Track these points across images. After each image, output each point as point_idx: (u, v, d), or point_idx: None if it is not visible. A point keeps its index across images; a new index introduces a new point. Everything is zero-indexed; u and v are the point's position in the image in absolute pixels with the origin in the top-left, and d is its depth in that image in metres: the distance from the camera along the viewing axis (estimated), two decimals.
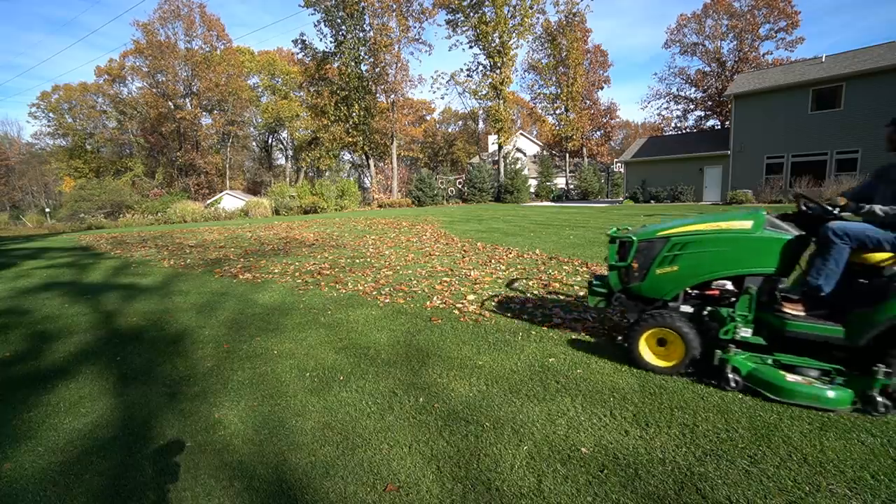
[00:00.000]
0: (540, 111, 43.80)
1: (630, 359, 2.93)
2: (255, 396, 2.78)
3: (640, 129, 65.86)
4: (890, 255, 2.47)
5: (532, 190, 35.30)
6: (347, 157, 50.87)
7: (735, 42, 40.06)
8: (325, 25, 29.90)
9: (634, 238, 3.03)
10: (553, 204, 28.65)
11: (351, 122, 31.26)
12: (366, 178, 41.84)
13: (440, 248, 8.09)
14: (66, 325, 4.40)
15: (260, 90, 51.62)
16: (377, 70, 31.22)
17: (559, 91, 40.18)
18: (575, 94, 39.18)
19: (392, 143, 34.04)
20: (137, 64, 42.55)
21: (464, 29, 30.15)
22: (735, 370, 2.56)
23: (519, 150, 40.55)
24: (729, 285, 2.82)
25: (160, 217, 24.07)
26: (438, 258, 7.02)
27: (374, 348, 3.43)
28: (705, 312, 2.81)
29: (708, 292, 2.89)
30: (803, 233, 2.66)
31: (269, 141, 56.79)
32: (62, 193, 45.73)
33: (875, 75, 18.52)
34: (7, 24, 74.68)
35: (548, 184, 37.03)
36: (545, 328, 3.67)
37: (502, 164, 31.21)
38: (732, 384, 2.55)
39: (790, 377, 2.45)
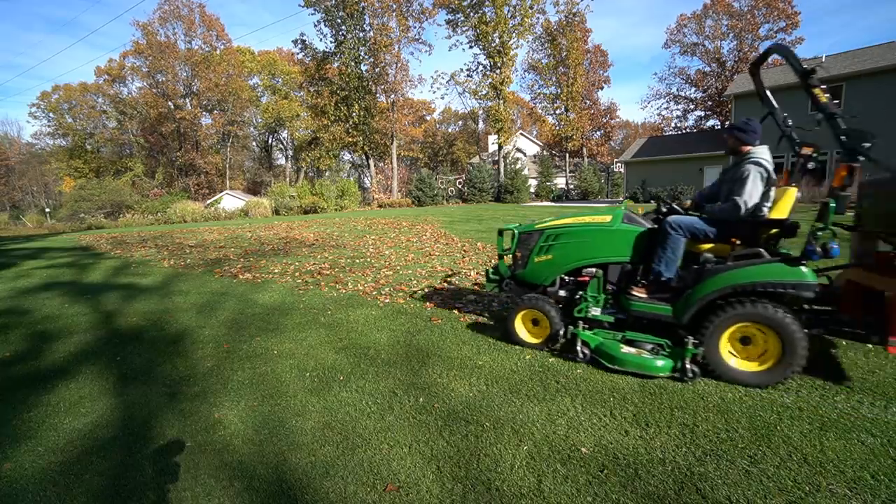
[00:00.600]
0: (540, 111, 43.80)
1: (504, 334, 3.45)
2: (255, 396, 2.78)
3: (640, 129, 65.85)
4: (712, 244, 2.98)
5: (532, 190, 35.28)
6: (347, 157, 50.86)
7: (735, 42, 40.07)
8: (325, 25, 29.89)
9: (515, 230, 3.52)
10: (553, 204, 28.66)
11: (351, 122, 31.24)
12: (366, 178, 41.84)
13: (440, 248, 8.09)
14: (66, 325, 4.39)
15: (260, 90, 51.62)
16: (377, 70, 31.20)
17: (559, 91, 40.17)
18: (575, 94, 39.18)
19: (392, 143, 34.04)
20: (137, 64, 42.56)
21: (464, 29, 30.14)
22: (584, 344, 3.02)
23: (519, 150, 40.55)
24: (592, 270, 3.27)
25: (160, 217, 24.06)
26: (438, 258, 7.02)
27: (374, 348, 3.43)
28: (577, 297, 3.26)
29: (580, 279, 3.30)
30: (655, 226, 3.07)
31: (269, 141, 56.80)
32: (62, 193, 45.73)
33: (875, 75, 18.53)
34: (7, 24, 74.74)
35: (548, 184, 37.01)
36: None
37: (502, 164, 31.21)
38: (581, 356, 3.00)
39: (625, 349, 2.87)
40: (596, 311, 3.16)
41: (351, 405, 2.61)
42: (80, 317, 4.64)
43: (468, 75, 32.02)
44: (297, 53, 33.05)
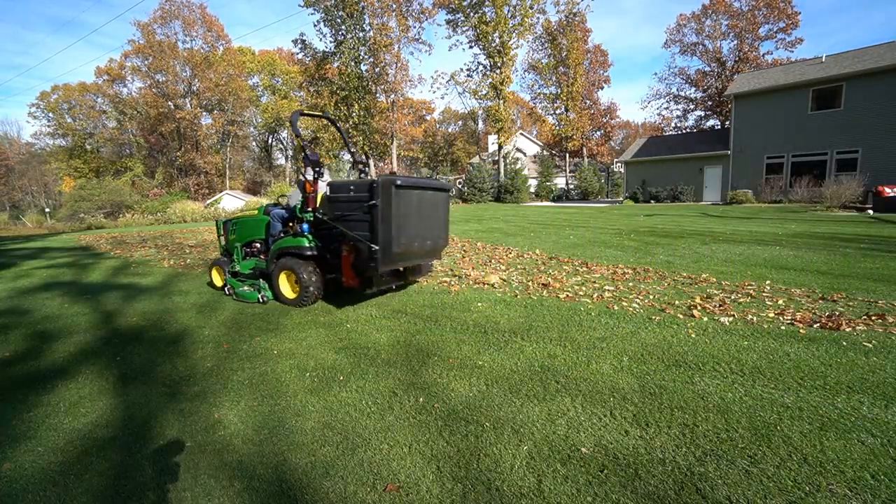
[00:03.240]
0: (540, 111, 43.80)
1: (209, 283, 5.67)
2: (255, 396, 2.78)
3: (640, 129, 65.86)
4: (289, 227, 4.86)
5: (532, 190, 35.30)
6: (347, 157, 50.85)
7: (735, 42, 40.07)
8: (325, 25, 29.87)
9: (219, 221, 5.79)
10: (553, 204, 28.65)
11: (351, 122, 31.24)
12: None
13: None
14: (66, 325, 4.39)
15: (260, 90, 51.62)
16: (377, 70, 31.18)
17: (559, 91, 40.17)
18: (575, 94, 39.18)
19: (392, 143, 34.04)
20: (137, 64, 42.55)
21: (464, 29, 30.15)
22: (231, 288, 5.09)
23: (519, 150, 40.53)
24: (258, 245, 5.31)
25: (160, 217, 24.06)
26: None
27: (374, 348, 3.43)
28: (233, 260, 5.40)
29: (253, 249, 5.36)
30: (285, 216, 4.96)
31: (269, 141, 56.78)
32: (62, 193, 45.70)
33: (875, 75, 18.52)
34: (7, 24, 74.69)
35: (548, 184, 37.01)
36: None
37: (502, 164, 31.21)
38: (227, 293, 5.11)
39: (245, 288, 4.96)
40: (238, 268, 5.24)
41: (351, 405, 2.61)
42: (80, 317, 4.64)
43: (468, 75, 32.05)
44: (297, 53, 33.05)
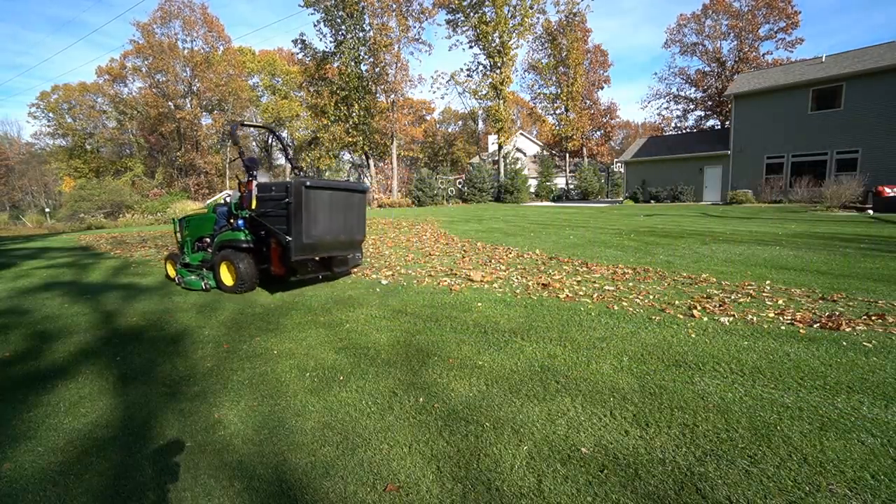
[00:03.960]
0: (540, 111, 43.79)
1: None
2: (255, 396, 2.78)
3: (640, 129, 65.86)
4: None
5: (532, 190, 35.30)
6: (347, 156, 50.82)
7: (735, 42, 40.06)
8: (325, 25, 29.87)
9: (175, 219, 6.40)
10: (553, 204, 28.65)
11: (351, 122, 31.22)
12: (366, 178, 41.78)
13: (440, 248, 8.09)
14: (66, 325, 4.39)
15: (260, 90, 51.61)
16: (377, 70, 31.18)
17: (559, 91, 40.17)
18: (575, 94, 39.18)
19: (392, 143, 34.03)
20: (137, 64, 42.54)
21: (464, 29, 30.15)
22: (181, 277, 5.69)
23: (519, 150, 40.54)
24: (207, 239, 5.81)
25: (160, 217, 24.06)
26: (438, 258, 7.02)
27: (374, 348, 3.43)
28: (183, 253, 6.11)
29: (203, 243, 5.88)
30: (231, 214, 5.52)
31: (269, 141, 56.72)
32: (62, 193, 45.70)
33: (875, 75, 18.52)
34: (7, 24, 74.68)
35: (548, 184, 37.01)
36: None
37: (502, 164, 31.21)
38: (176, 282, 5.77)
39: (192, 277, 5.57)
40: (187, 260, 5.90)
41: (351, 405, 2.61)
42: (80, 317, 4.64)
43: (468, 75, 32.05)
44: (297, 53, 33.04)
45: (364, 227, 5.40)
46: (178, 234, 6.27)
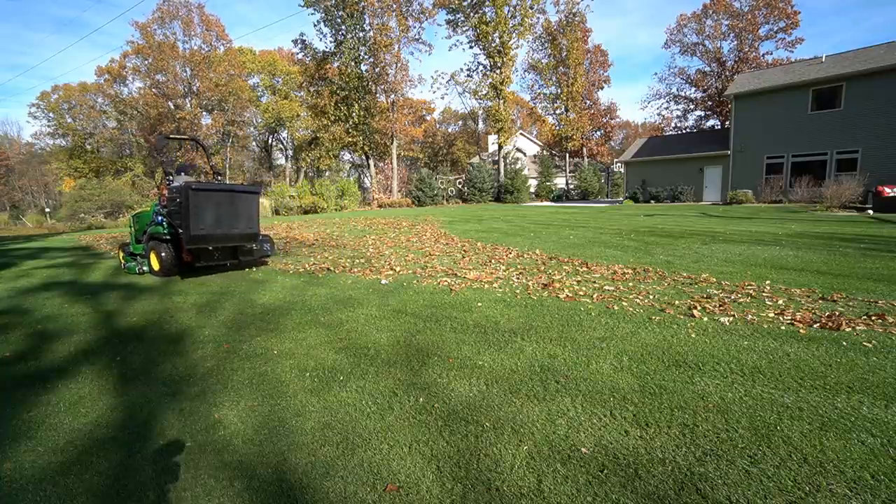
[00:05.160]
0: (540, 111, 43.82)
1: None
2: (255, 396, 2.78)
3: (640, 129, 65.86)
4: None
5: (532, 190, 35.30)
6: (347, 157, 50.87)
7: (735, 42, 40.06)
8: (325, 25, 29.87)
9: (131, 215, 7.32)
10: (553, 204, 28.66)
11: (351, 122, 31.22)
12: (366, 178, 41.80)
13: (440, 248, 8.09)
14: (66, 325, 4.39)
15: (260, 90, 51.60)
16: (377, 70, 31.19)
17: (559, 91, 40.17)
18: (575, 94, 39.19)
19: (392, 143, 34.03)
20: (137, 64, 42.54)
21: (464, 29, 30.15)
22: (125, 263, 6.88)
23: (519, 150, 40.54)
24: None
25: None
26: (439, 258, 7.02)
27: (374, 348, 3.43)
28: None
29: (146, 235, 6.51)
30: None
31: (269, 141, 56.76)
32: (62, 193, 45.71)
33: (875, 75, 18.52)
34: (8, 24, 74.68)
35: (548, 184, 37.03)
36: None
37: (502, 164, 31.22)
38: (123, 268, 6.96)
39: (132, 263, 6.64)
40: (132, 250, 6.94)
41: (351, 405, 2.61)
42: (80, 317, 4.64)
43: (468, 75, 32.05)
44: (297, 53, 33.06)
45: (256, 222, 6.13)
46: (131, 228, 7.22)
